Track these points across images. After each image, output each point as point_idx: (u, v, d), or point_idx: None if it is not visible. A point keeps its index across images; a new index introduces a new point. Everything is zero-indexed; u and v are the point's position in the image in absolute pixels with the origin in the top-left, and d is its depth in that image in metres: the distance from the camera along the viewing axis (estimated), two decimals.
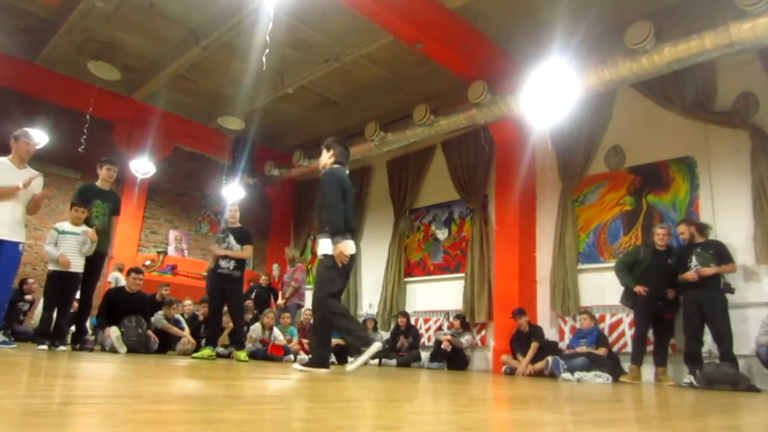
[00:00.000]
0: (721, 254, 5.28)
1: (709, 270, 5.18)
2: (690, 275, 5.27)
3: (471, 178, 8.13)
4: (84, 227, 5.22)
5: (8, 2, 7.12)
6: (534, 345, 6.22)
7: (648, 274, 5.57)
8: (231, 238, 5.80)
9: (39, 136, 5.04)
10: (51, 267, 5.06)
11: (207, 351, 5.55)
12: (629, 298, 5.68)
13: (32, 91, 8.42)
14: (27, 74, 8.29)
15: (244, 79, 8.19)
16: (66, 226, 5.14)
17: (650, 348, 5.73)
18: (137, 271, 6.22)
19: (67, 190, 8.35)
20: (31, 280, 7.39)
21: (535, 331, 6.42)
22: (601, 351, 5.82)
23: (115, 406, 1.52)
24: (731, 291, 5.18)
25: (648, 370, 5.81)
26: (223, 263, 5.68)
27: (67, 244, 5.08)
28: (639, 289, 5.51)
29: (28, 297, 7.30)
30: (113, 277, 7.72)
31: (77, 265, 5.14)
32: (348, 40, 7.29)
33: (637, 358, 5.59)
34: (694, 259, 5.34)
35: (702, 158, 6.12)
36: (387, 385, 3.32)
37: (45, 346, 4.86)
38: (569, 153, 7.15)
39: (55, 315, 5.19)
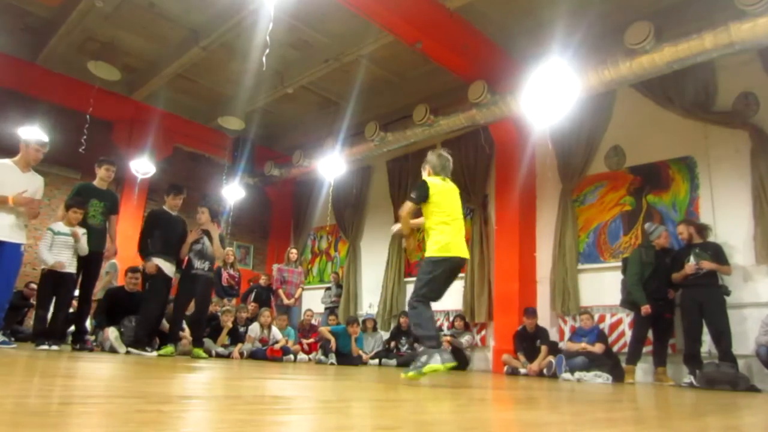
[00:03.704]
0: (718, 256, 5.30)
1: (709, 264, 5.19)
2: (690, 267, 5.28)
3: (471, 178, 8.12)
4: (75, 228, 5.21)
5: (8, 2, 7.11)
6: (544, 348, 6.24)
7: (653, 276, 5.56)
8: (206, 240, 5.83)
9: (41, 136, 5.00)
10: (45, 266, 5.06)
11: (197, 350, 5.70)
12: (632, 302, 5.64)
13: (32, 91, 8.42)
14: (27, 74, 8.28)
15: (244, 79, 8.18)
16: (60, 227, 5.13)
17: (650, 348, 5.74)
18: (133, 270, 6.19)
19: (67, 190, 8.31)
20: (33, 285, 7.39)
21: (542, 334, 6.42)
22: (598, 347, 5.82)
23: (115, 406, 1.52)
24: (727, 293, 5.20)
25: (647, 370, 5.82)
26: (198, 264, 5.73)
27: (61, 245, 5.06)
28: (646, 309, 5.40)
29: (31, 301, 7.31)
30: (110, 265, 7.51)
31: (71, 266, 5.13)
32: (348, 40, 7.29)
33: (633, 359, 5.59)
34: (691, 258, 5.35)
35: (702, 158, 6.12)
36: (387, 385, 3.32)
37: (45, 347, 4.85)
38: (569, 153, 7.15)
39: (50, 314, 5.18)
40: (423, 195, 3.49)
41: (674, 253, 5.67)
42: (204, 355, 5.76)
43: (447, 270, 3.48)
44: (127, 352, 5.39)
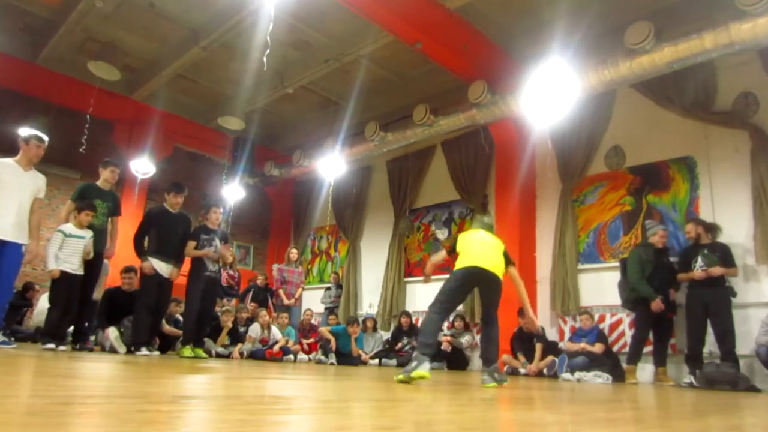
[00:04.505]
0: (726, 257, 5.27)
1: (718, 270, 5.18)
2: (698, 274, 5.27)
3: (471, 178, 8.12)
4: (90, 232, 5.23)
5: (8, 2, 7.11)
6: (539, 346, 6.24)
7: (653, 275, 5.55)
8: (217, 242, 5.83)
9: (40, 134, 5.00)
10: (60, 268, 5.04)
11: (192, 350, 5.66)
12: (634, 301, 5.61)
13: (32, 91, 8.42)
14: (27, 74, 8.28)
15: (244, 79, 8.18)
16: (71, 228, 5.12)
17: (649, 348, 5.73)
18: (127, 270, 6.20)
19: (67, 190, 8.35)
20: (37, 287, 7.41)
21: (538, 332, 6.42)
22: (598, 347, 5.82)
23: (115, 406, 1.52)
24: (733, 294, 5.19)
25: (647, 370, 5.81)
26: (210, 266, 5.77)
27: (72, 247, 5.06)
28: (657, 304, 5.34)
29: (33, 301, 7.33)
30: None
31: (80, 268, 5.13)
32: (348, 40, 7.29)
33: (634, 359, 5.59)
34: (700, 259, 5.32)
35: (702, 158, 6.12)
36: (387, 385, 3.32)
37: (52, 345, 4.85)
38: (569, 153, 7.15)
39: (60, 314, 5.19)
40: (452, 247, 3.94)
41: (681, 252, 5.65)
42: (204, 354, 5.76)
43: (458, 279, 3.71)
44: (128, 352, 5.40)
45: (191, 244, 5.72)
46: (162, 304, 5.81)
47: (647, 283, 5.46)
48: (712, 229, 5.48)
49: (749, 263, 5.56)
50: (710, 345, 5.32)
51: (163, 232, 5.64)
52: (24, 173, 4.68)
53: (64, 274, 5.00)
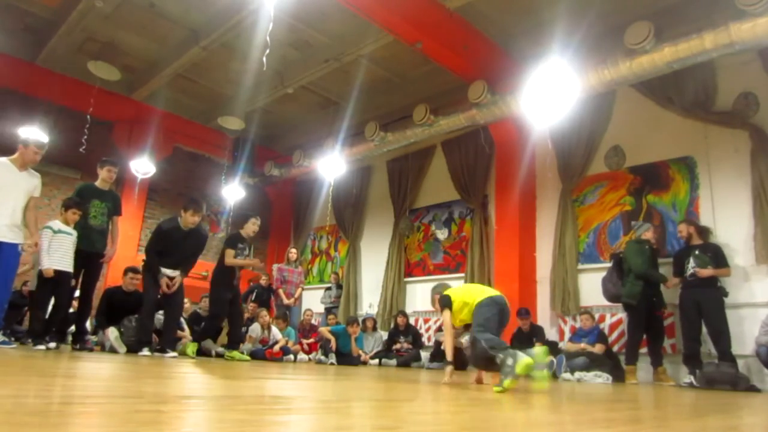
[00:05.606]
0: (717, 257, 5.30)
1: (706, 272, 5.20)
2: (688, 275, 5.32)
3: (471, 178, 8.12)
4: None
5: (8, 2, 7.11)
6: (538, 345, 6.24)
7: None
8: (247, 251, 5.89)
9: (41, 137, 4.96)
10: (53, 267, 5.03)
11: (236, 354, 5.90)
12: (634, 296, 5.56)
13: (32, 91, 8.42)
14: (27, 74, 8.28)
15: (244, 79, 8.19)
16: (59, 225, 5.10)
17: (646, 350, 5.74)
18: (134, 270, 6.17)
19: (67, 190, 8.34)
20: (30, 282, 7.38)
21: (537, 331, 6.43)
22: (599, 347, 5.82)
23: (115, 406, 1.52)
24: (725, 294, 5.21)
25: (647, 370, 5.82)
26: (237, 274, 5.87)
27: (60, 243, 5.04)
28: (672, 283, 5.54)
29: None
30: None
31: (69, 265, 5.09)
32: (348, 40, 7.29)
33: (632, 359, 5.60)
34: (691, 260, 5.35)
35: (702, 158, 6.12)
36: (387, 385, 3.32)
37: (43, 347, 4.83)
38: (569, 153, 7.15)
39: (47, 314, 5.16)
40: (448, 303, 3.88)
41: (674, 254, 5.70)
42: (246, 357, 6.05)
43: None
44: (128, 352, 5.39)
45: (230, 252, 5.65)
46: (173, 306, 5.61)
47: (649, 275, 5.53)
48: (703, 231, 5.55)
49: (749, 263, 5.56)
50: (709, 344, 5.33)
51: (170, 246, 5.46)
52: (18, 173, 4.65)
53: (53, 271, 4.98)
